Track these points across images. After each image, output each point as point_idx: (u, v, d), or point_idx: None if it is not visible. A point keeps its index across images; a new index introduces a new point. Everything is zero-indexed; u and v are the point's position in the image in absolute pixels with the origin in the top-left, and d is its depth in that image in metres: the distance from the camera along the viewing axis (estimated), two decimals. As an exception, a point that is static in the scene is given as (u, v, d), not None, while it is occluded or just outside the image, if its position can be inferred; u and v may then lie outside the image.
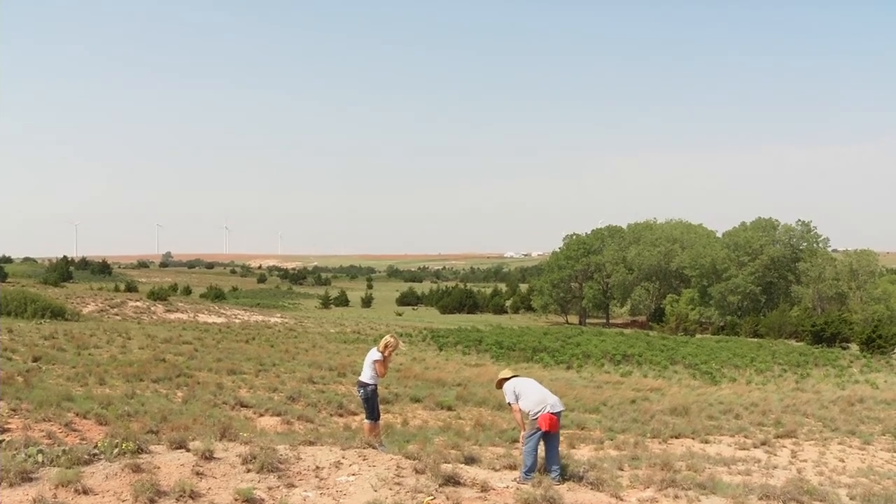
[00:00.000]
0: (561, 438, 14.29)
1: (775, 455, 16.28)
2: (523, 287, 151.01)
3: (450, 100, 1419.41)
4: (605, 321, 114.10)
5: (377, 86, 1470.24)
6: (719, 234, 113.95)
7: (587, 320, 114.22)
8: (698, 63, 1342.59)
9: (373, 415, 11.18)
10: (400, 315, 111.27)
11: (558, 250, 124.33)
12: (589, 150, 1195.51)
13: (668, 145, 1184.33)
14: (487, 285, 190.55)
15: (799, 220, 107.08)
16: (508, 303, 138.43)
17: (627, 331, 79.40)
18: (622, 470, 10.75)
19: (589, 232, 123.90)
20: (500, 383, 10.05)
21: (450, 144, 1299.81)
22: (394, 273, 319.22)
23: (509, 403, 9.84)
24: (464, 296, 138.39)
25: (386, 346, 11.22)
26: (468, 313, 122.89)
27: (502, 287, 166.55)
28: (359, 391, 11.38)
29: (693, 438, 17.50)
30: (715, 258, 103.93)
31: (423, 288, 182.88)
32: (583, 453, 12.85)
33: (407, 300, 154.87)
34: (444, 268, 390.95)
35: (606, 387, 29.50)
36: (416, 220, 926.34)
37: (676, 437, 17.42)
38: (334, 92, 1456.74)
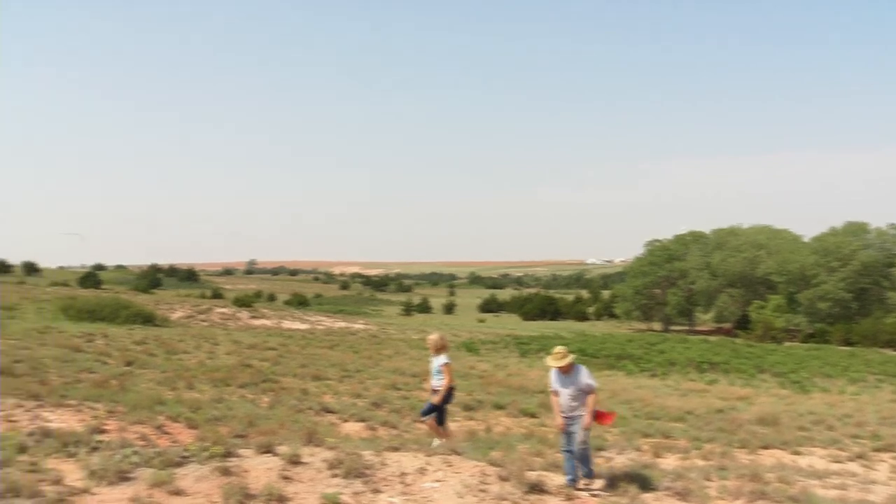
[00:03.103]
0: (646, 447, 14.13)
1: (873, 469, 15.70)
2: (605, 294, 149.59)
3: (536, 104, 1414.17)
4: (688, 328, 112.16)
5: (460, 89, 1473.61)
6: (806, 240, 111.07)
7: (671, 327, 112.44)
8: (782, 63, 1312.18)
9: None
10: (482, 322, 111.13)
11: (641, 256, 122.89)
12: (672, 154, 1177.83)
13: (748, 149, 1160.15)
14: (569, 292, 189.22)
15: (892, 224, 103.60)
16: (591, 309, 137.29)
17: (712, 338, 77.82)
18: (710, 480, 10.53)
19: (672, 238, 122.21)
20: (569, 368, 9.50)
21: (532, 149, 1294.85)
22: (475, 280, 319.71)
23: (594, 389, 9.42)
24: (545, 302, 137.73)
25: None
26: (550, 320, 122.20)
27: (584, 294, 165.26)
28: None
29: (783, 450, 17.03)
30: (803, 264, 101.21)
31: (504, 295, 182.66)
32: (669, 463, 12.61)
33: (489, 307, 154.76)
34: (526, 274, 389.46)
35: (692, 395, 28.97)
36: (497, 227, 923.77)
37: (765, 448, 16.97)
38: (418, 94, 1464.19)
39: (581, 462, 9.34)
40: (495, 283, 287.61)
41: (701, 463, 12.54)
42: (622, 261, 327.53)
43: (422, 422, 11.12)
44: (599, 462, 11.08)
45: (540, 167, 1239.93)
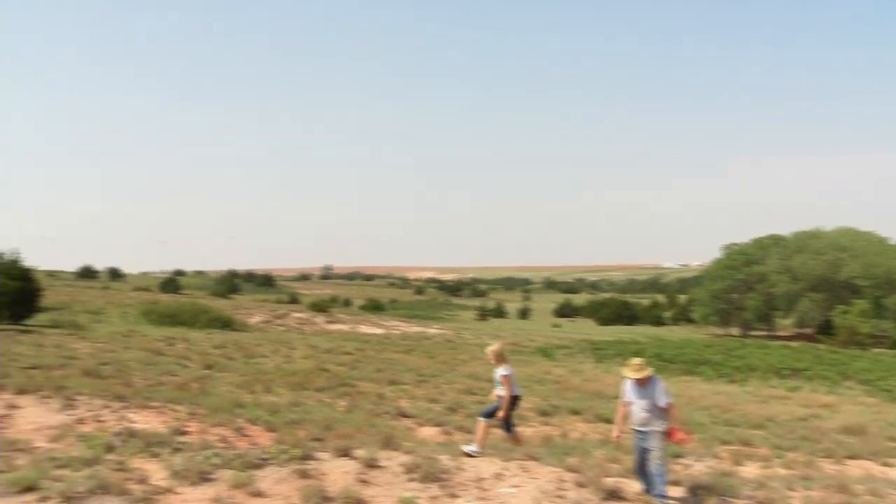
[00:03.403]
0: (725, 455, 13.86)
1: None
2: (682, 298, 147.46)
3: (605, 106, 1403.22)
4: (768, 333, 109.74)
5: (533, 90, 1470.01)
6: (894, 242, 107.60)
7: (750, 332, 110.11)
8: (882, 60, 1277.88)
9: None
10: (557, 327, 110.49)
11: (718, 260, 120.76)
12: (751, 154, 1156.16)
13: (836, 149, 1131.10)
14: (645, 296, 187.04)
15: None
16: (667, 314, 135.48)
17: (793, 343, 76.02)
18: (793, 490, 10.25)
19: (750, 241, 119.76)
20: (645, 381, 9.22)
21: (608, 151, 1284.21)
22: (550, 284, 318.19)
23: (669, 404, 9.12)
24: (621, 307, 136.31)
25: None
26: (626, 325, 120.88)
27: (660, 298, 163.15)
28: None
29: (872, 461, 16.50)
30: (890, 267, 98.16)
31: (579, 299, 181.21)
32: (749, 471, 12.34)
33: (564, 312, 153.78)
34: (601, 279, 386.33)
35: (772, 402, 28.32)
36: (572, 231, 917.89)
37: (852, 459, 16.47)
38: (492, 96, 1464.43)
39: (653, 481, 8.97)
40: (570, 288, 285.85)
41: (783, 472, 12.24)
42: (699, 264, 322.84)
43: (494, 425, 11.02)
44: (677, 469, 10.90)
45: (616, 169, 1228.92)
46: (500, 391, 10.81)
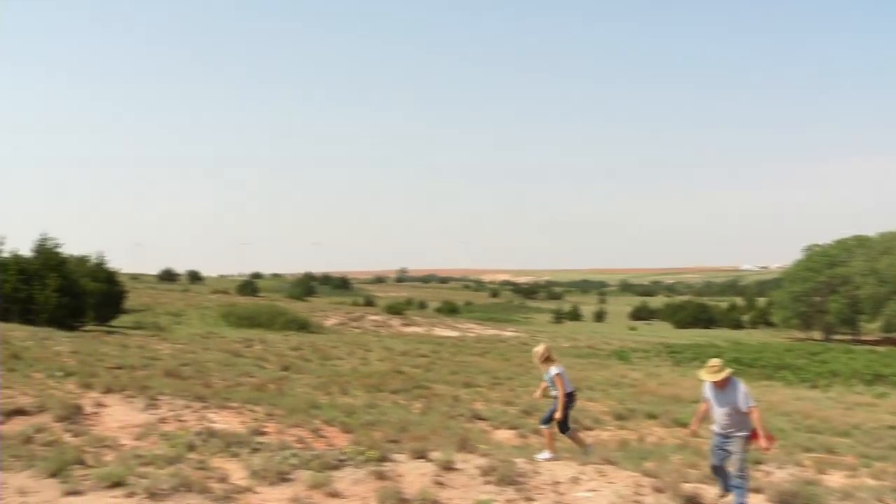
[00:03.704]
0: (808, 462, 13.49)
1: None
2: (761, 301, 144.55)
3: (684, 104, 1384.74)
4: (853, 337, 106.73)
5: (608, 90, 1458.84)
6: None
7: (833, 336, 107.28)
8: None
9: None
10: (633, 330, 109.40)
11: (799, 262, 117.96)
12: (838, 154, 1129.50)
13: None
14: (723, 299, 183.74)
15: None
16: (746, 317, 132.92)
17: (880, 348, 73.79)
18: (882, 502, 9.91)
19: (832, 242, 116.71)
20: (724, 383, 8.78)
21: (681, 154, 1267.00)
22: (626, 287, 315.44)
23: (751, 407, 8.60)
24: (699, 310, 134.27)
25: None
26: (703, 328, 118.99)
27: (739, 301, 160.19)
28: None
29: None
30: None
31: (656, 302, 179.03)
32: (834, 480, 11.99)
33: (640, 315, 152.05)
34: (678, 281, 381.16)
35: (858, 409, 27.54)
36: (648, 233, 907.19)
37: (948, 471, 15.92)
38: (567, 97, 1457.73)
39: (733, 488, 8.59)
40: (646, 291, 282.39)
41: (872, 482, 11.85)
42: (778, 267, 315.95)
43: (559, 432, 10.90)
44: (758, 476, 10.66)
45: (690, 170, 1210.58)
46: (554, 392, 10.69)
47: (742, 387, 8.67)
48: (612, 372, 34.73)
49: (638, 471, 9.64)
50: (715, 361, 8.92)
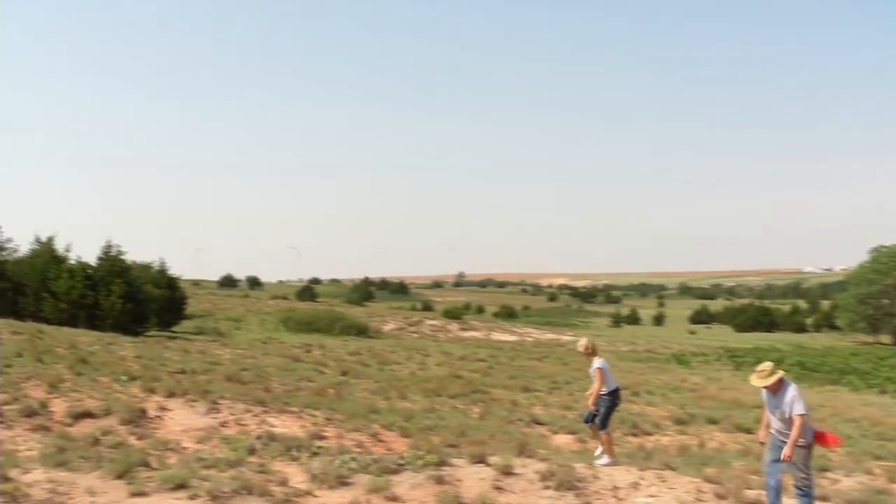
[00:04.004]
0: (878, 471, 13.13)
1: None
2: (825, 304, 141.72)
3: (751, 101, 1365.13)
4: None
5: (657, 89, 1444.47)
6: None
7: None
8: None
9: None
10: (693, 333, 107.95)
11: (865, 263, 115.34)
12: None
13: None
14: (785, 302, 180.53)
15: None
16: (809, 321, 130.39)
17: (952, 352, 71.90)
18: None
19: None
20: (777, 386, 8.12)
21: (744, 154, 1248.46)
22: (685, 290, 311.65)
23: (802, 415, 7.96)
24: (760, 313, 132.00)
25: None
26: (765, 332, 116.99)
27: (802, 304, 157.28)
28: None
29: None
30: None
31: (716, 305, 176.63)
32: (907, 489, 11.70)
33: (699, 318, 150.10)
34: (738, 284, 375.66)
35: (929, 415, 26.89)
36: (707, 235, 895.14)
37: None
38: (622, 97, 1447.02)
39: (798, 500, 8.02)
40: (706, 294, 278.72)
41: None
42: (843, 269, 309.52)
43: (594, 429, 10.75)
44: (824, 484, 10.40)
45: (752, 169, 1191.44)
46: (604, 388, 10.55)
47: (791, 391, 8.06)
48: (671, 376, 34.29)
49: (699, 476, 9.51)
50: (765, 365, 8.30)
